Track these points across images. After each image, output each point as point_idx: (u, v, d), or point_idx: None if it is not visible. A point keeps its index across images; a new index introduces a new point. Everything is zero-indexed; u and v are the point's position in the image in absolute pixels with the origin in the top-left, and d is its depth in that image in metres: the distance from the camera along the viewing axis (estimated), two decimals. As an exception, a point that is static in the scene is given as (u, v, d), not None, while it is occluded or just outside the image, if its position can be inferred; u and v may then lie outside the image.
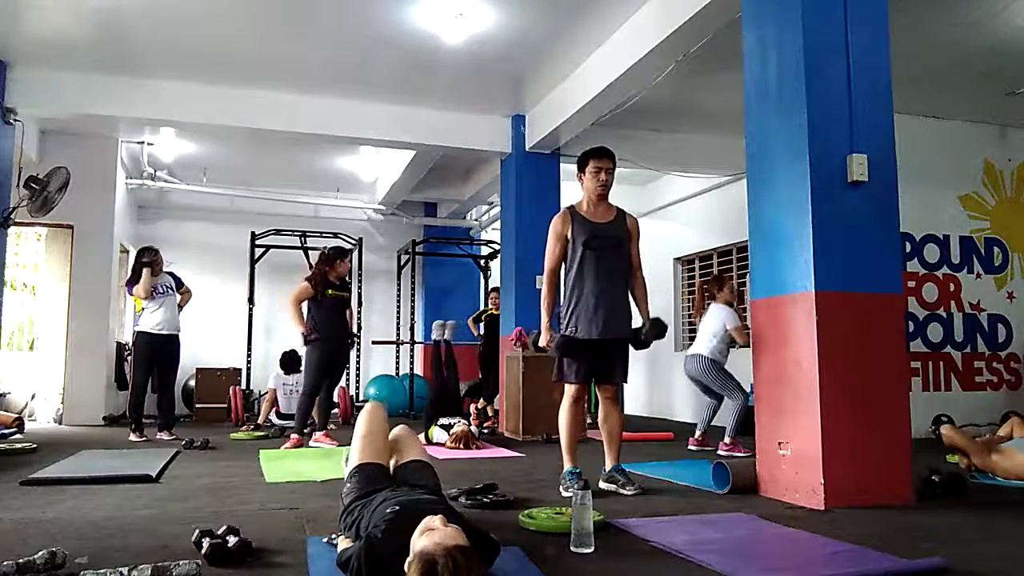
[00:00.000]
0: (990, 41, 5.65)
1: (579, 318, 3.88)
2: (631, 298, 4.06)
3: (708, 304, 6.04)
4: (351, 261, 6.56)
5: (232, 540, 2.49)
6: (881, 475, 3.52)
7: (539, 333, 4.01)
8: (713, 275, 6.39)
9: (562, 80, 6.76)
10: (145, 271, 6.62)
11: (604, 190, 3.99)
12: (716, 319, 5.85)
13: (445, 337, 7.15)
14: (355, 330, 6.73)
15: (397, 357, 10.54)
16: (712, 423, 6.02)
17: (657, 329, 3.95)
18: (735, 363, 5.94)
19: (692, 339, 9.37)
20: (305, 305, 6.20)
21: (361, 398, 9.84)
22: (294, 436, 6.05)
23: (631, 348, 4.00)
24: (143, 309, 6.71)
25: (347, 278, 6.56)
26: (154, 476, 4.31)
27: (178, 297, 6.85)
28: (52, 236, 8.67)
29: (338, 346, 6.25)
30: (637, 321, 4.07)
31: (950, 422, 5.07)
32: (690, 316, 9.58)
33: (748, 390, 6.72)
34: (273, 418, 7.57)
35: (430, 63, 6.34)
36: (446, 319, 7.52)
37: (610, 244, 3.95)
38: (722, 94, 6.51)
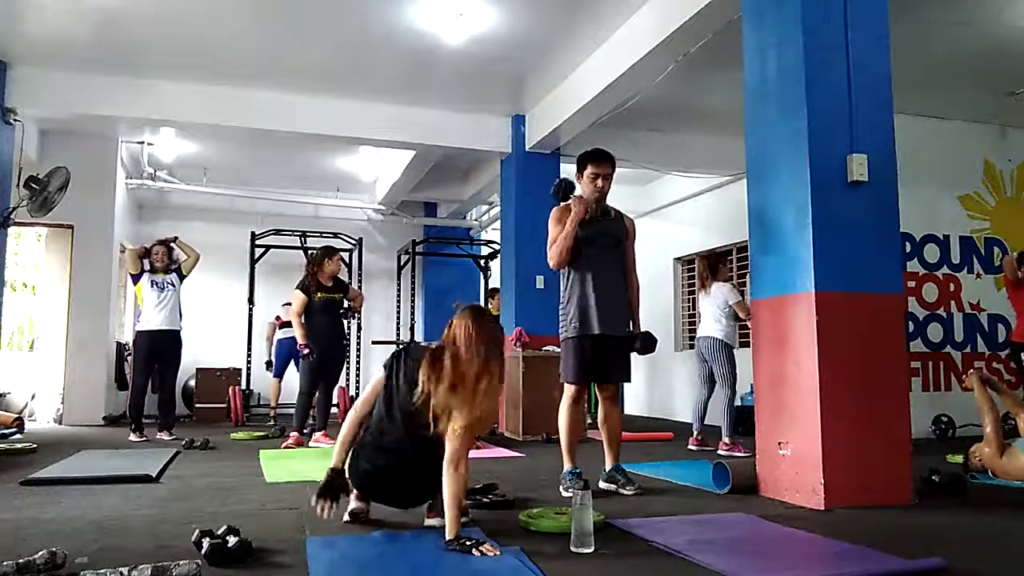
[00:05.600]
0: (990, 41, 5.65)
1: (579, 314, 3.89)
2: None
3: (709, 281, 6.04)
4: (342, 259, 6.52)
5: (232, 540, 2.49)
6: (881, 475, 3.52)
7: (565, 180, 3.98)
8: (713, 252, 6.40)
9: (562, 80, 6.76)
10: (136, 248, 6.79)
11: (601, 197, 4.00)
12: (719, 296, 5.89)
13: None
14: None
15: (397, 357, 10.52)
16: (705, 421, 6.02)
17: (648, 344, 3.95)
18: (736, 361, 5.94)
19: (692, 339, 9.43)
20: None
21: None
22: (293, 434, 6.05)
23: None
24: (144, 303, 6.70)
25: (346, 278, 6.56)
26: (154, 476, 4.31)
27: (180, 292, 6.81)
28: (52, 236, 8.67)
29: (329, 347, 6.24)
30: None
31: (988, 381, 4.67)
32: (690, 316, 9.60)
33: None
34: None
35: (430, 63, 6.34)
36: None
37: (610, 243, 3.97)
38: (722, 94, 6.51)
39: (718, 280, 5.99)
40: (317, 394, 6.30)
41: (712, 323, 5.91)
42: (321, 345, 6.11)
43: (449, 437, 2.69)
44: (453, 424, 2.68)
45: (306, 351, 6.05)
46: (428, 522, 3.02)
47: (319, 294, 6.19)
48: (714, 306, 5.91)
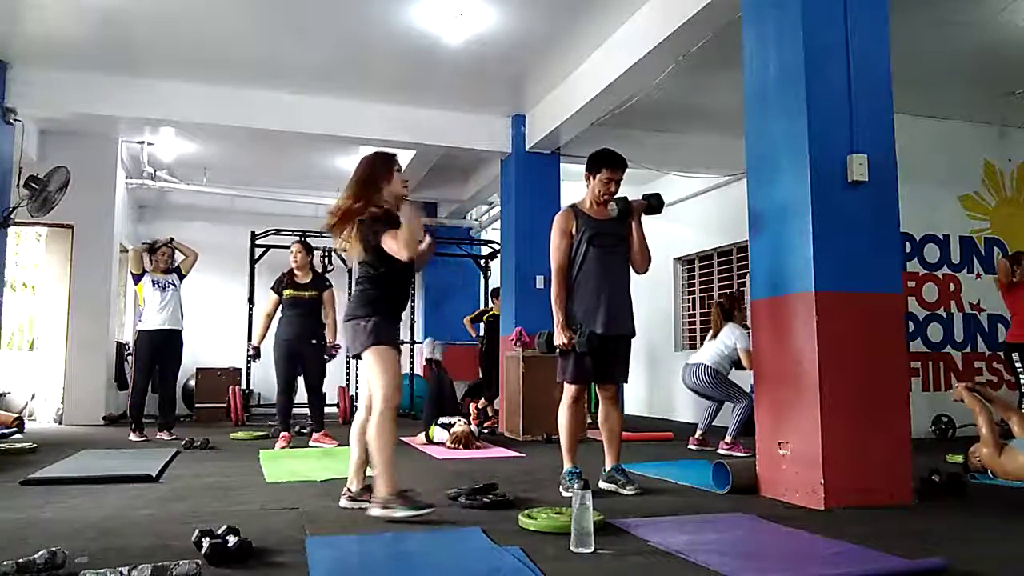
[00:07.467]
0: (990, 41, 5.65)
1: (582, 314, 3.89)
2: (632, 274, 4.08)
3: (722, 322, 5.99)
4: (310, 250, 6.40)
5: (232, 540, 2.49)
6: (881, 475, 3.52)
7: (551, 333, 3.95)
8: (732, 295, 6.40)
9: (562, 80, 6.76)
10: (139, 248, 6.85)
11: (610, 198, 4.01)
12: (729, 337, 5.86)
13: (436, 356, 7.15)
14: (330, 332, 6.28)
15: (397, 357, 10.52)
16: (713, 423, 6.02)
17: (658, 204, 4.02)
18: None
19: (692, 339, 9.43)
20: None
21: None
22: (283, 434, 6.02)
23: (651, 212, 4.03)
24: (145, 303, 6.70)
25: (323, 273, 6.53)
26: (154, 476, 4.31)
27: (181, 292, 6.81)
28: (52, 236, 8.67)
29: (296, 347, 6.08)
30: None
31: (975, 390, 4.58)
32: (690, 316, 9.60)
33: (750, 392, 6.72)
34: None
35: (430, 63, 6.34)
36: (445, 318, 7.51)
37: (613, 241, 3.98)
38: (722, 94, 6.51)
39: (736, 322, 5.95)
40: (310, 396, 6.26)
41: (705, 353, 5.91)
42: (286, 345, 6.06)
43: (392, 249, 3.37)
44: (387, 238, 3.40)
45: (251, 352, 6.12)
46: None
47: (287, 291, 6.16)
48: (721, 343, 5.88)
